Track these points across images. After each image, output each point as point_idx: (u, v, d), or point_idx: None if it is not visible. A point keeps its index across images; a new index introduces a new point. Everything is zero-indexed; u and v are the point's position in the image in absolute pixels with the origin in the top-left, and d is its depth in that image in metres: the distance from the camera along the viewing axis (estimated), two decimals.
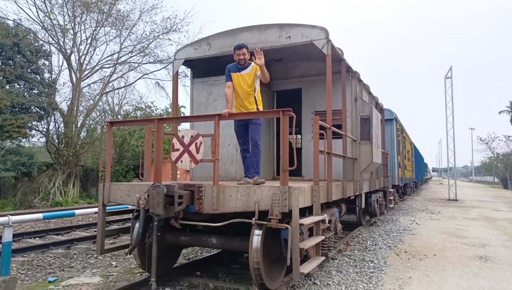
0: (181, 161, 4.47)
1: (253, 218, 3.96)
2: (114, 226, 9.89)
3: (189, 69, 7.03)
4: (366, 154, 7.11)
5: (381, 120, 9.35)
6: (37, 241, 8.14)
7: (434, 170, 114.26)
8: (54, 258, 6.72)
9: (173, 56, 6.55)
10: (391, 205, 11.96)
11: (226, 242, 4.70)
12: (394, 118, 13.81)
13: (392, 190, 12.09)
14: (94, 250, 7.14)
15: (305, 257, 4.60)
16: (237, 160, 6.39)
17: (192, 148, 4.41)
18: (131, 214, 4.94)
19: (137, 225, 4.35)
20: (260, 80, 5.02)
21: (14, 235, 8.31)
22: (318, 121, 4.72)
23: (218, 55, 6.17)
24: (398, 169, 14.20)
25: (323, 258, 4.60)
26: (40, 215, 5.60)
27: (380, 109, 10.53)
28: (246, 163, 4.93)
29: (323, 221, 4.96)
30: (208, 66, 6.77)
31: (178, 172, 7.64)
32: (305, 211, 5.06)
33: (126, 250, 4.45)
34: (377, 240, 7.86)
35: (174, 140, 4.52)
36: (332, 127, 5.59)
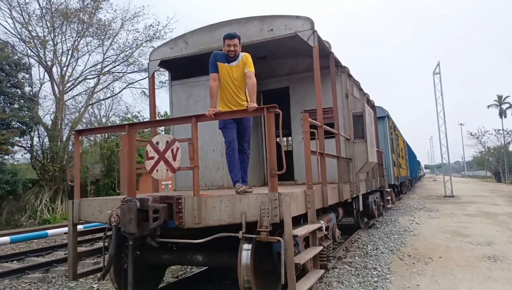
0: (157, 171, 3.97)
1: (240, 232, 3.47)
2: (100, 243, 9.30)
3: (167, 72, 6.54)
4: (361, 154, 6.67)
5: (373, 117, 8.96)
6: (14, 265, 7.52)
7: (426, 167, 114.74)
8: (30, 284, 6.14)
9: (148, 58, 6.06)
10: (389, 205, 11.54)
11: (213, 259, 4.20)
12: (386, 115, 13.46)
13: (389, 189, 11.68)
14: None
15: (302, 270, 4.12)
16: (223, 166, 5.90)
17: (169, 155, 3.91)
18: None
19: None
20: None
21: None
22: (307, 118, 4.26)
23: (195, 54, 5.69)
24: (393, 168, 13.82)
25: (322, 271, 4.13)
26: (7, 239, 5.03)
27: (372, 106, 10.13)
28: (234, 164, 4.35)
29: (319, 229, 4.50)
30: (187, 67, 6.28)
31: (169, 183, 7.13)
32: (300, 219, 4.59)
33: (99, 274, 3.92)
34: (378, 243, 7.40)
35: (148, 147, 4.02)
36: (324, 126, 5.14)
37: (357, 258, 6.31)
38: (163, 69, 6.24)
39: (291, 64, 7.05)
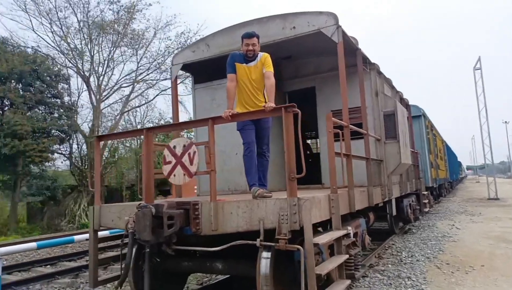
0: (174, 175, 3.85)
1: (258, 239, 3.28)
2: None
3: (191, 76, 6.48)
4: (393, 155, 6.30)
5: (407, 117, 8.50)
6: (47, 269, 7.69)
7: (468, 168, 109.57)
8: (59, 289, 6.24)
9: (171, 62, 6.01)
10: (426, 209, 10.94)
11: (232, 267, 4.03)
12: (422, 114, 12.82)
13: (426, 192, 11.07)
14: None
15: (327, 280, 3.86)
16: None
17: (185, 159, 3.79)
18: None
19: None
20: None
21: (24, 264, 7.93)
22: (331, 117, 4.01)
23: (217, 56, 5.57)
24: (430, 169, 13.13)
25: (347, 282, 3.84)
26: (34, 245, 5.11)
27: (406, 105, 9.66)
28: (251, 167, 4.16)
29: (347, 235, 4.22)
30: (210, 70, 6.18)
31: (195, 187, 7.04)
32: (326, 225, 4.34)
33: (116, 282, 3.85)
34: (413, 250, 6.96)
35: (166, 152, 3.92)
36: (350, 125, 4.86)
37: (390, 266, 5.93)
38: (188, 73, 6.15)
39: (316, 63, 6.80)
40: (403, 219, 8.88)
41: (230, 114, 3.63)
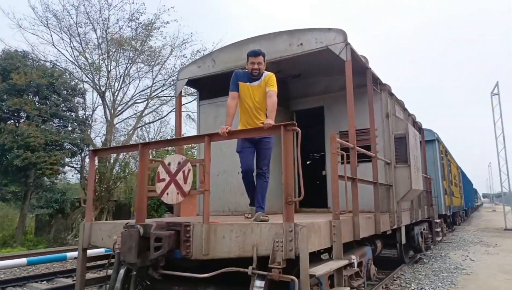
0: (167, 194, 3.65)
1: (250, 267, 3.03)
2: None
3: (197, 91, 6.36)
4: (403, 179, 6.00)
5: (420, 141, 8.20)
6: (42, 286, 7.46)
7: (485, 196, 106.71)
8: None
9: (176, 76, 5.91)
10: (439, 238, 10.46)
11: None
12: (436, 138, 12.45)
13: (438, 220, 10.60)
14: None
15: None
16: None
17: (180, 177, 3.59)
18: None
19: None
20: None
21: (20, 279, 7.63)
22: (335, 138, 3.79)
23: (223, 72, 5.44)
24: (444, 196, 12.65)
25: None
26: (24, 260, 4.93)
27: (419, 129, 9.36)
28: (251, 192, 4.02)
29: (350, 265, 3.92)
30: (215, 86, 6.06)
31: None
32: (330, 252, 4.05)
33: None
34: (423, 282, 6.55)
35: (160, 169, 3.73)
36: (357, 147, 4.62)
37: None
38: (193, 89, 6.04)
39: (326, 82, 6.62)
40: (414, 248, 8.46)
41: (227, 130, 3.45)
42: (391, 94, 6.58)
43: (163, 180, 3.69)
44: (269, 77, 3.99)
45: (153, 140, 27.77)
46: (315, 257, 3.63)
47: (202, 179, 3.36)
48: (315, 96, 6.69)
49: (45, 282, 7.80)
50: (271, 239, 3.03)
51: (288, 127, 3.11)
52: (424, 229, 8.74)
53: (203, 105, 6.16)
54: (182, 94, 24.00)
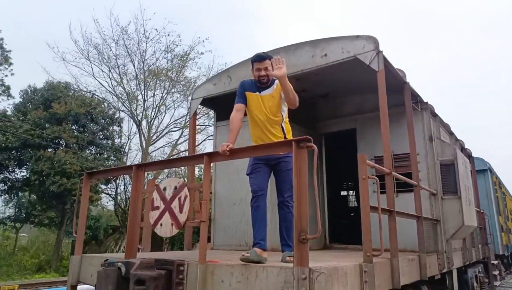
0: (161, 225, 3.07)
1: None
2: None
3: (214, 111, 5.87)
4: (453, 214, 5.08)
5: (471, 170, 7.19)
6: None
7: None
8: None
9: (191, 95, 5.46)
10: (497, 283, 9.08)
11: None
12: (488, 168, 11.18)
13: (495, 261, 9.26)
14: None
15: None
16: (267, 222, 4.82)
17: (175, 205, 3.00)
18: None
19: None
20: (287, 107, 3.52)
21: None
22: (365, 160, 3.08)
23: None
24: (500, 234, 11.19)
25: None
26: None
27: (469, 156, 8.31)
28: (257, 222, 3.30)
29: None
30: (233, 105, 5.54)
31: None
32: None
33: None
34: None
35: (154, 194, 3.17)
36: (396, 173, 3.86)
37: None
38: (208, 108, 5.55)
39: (358, 101, 5.92)
40: None
41: (228, 148, 2.84)
42: (435, 115, 5.77)
43: (157, 208, 3.12)
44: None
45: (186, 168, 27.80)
46: None
47: (198, 208, 2.75)
48: (346, 117, 5.99)
49: None
50: (280, 288, 2.34)
51: (301, 143, 2.45)
52: (479, 271, 7.54)
53: (220, 127, 5.64)
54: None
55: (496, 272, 9.09)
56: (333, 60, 4.18)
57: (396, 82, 4.58)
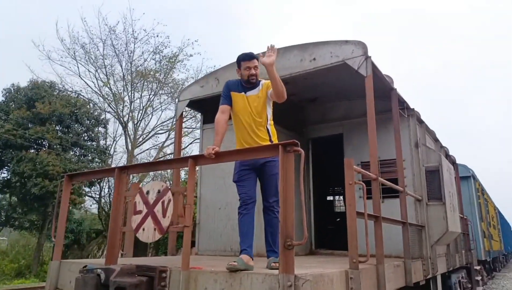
0: (143, 230, 2.98)
1: None
2: None
3: (200, 114, 5.80)
4: (437, 219, 5.11)
5: (455, 177, 7.27)
6: None
7: None
8: None
9: (177, 98, 5.38)
10: (479, 288, 9.18)
11: None
12: (471, 175, 11.35)
13: (478, 267, 9.37)
14: None
15: None
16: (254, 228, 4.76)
17: (158, 209, 2.92)
18: None
19: None
20: (272, 104, 3.41)
21: None
22: (351, 165, 3.05)
23: None
24: (483, 240, 11.35)
25: None
26: None
27: (453, 163, 8.41)
28: (245, 229, 3.24)
29: None
30: None
31: None
32: None
33: None
34: None
35: (137, 198, 3.08)
36: (382, 179, 3.85)
37: None
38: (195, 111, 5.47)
39: (345, 106, 5.93)
40: None
41: (214, 152, 2.77)
42: (421, 121, 5.81)
43: (140, 212, 3.03)
44: (268, 85, 3.28)
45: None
46: None
47: (181, 213, 2.68)
48: (333, 122, 5.99)
49: None
50: None
51: (288, 147, 2.41)
52: (462, 277, 7.61)
53: (206, 129, 5.56)
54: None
55: (479, 278, 9.20)
56: (322, 65, 4.17)
57: (384, 88, 4.60)
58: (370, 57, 3.92)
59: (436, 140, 6.99)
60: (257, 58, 3.30)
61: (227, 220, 5.03)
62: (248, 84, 3.32)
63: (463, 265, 7.83)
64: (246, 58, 3.29)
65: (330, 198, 10.55)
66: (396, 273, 3.87)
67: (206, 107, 5.59)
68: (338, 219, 8.82)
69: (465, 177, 11.06)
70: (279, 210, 3.33)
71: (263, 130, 3.29)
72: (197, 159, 2.87)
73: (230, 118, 3.44)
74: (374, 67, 3.99)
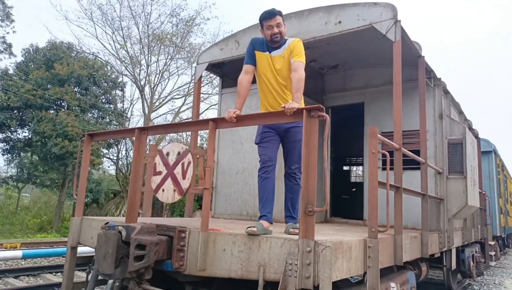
0: (163, 190, 3.00)
1: None
2: None
3: (219, 78, 5.70)
4: (457, 193, 5.02)
5: (477, 150, 7.09)
6: (22, 283, 6.41)
7: None
8: None
9: (195, 60, 5.29)
10: (492, 263, 9.17)
11: None
12: (492, 150, 11.07)
13: (493, 242, 9.32)
14: None
15: None
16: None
17: (178, 171, 2.92)
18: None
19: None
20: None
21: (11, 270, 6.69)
22: (376, 133, 2.97)
23: None
24: (499, 215, 11.22)
25: None
26: (19, 253, 4.49)
27: (476, 136, 8.18)
28: (265, 194, 3.18)
29: None
30: (240, 72, 5.37)
31: None
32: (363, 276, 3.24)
33: None
34: None
35: (157, 159, 3.09)
36: (405, 150, 3.75)
37: None
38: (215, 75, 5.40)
39: (367, 74, 5.75)
40: (463, 272, 7.33)
41: (235, 115, 2.71)
42: (446, 92, 5.60)
43: (160, 173, 3.04)
44: (295, 44, 3.12)
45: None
46: (343, 280, 2.84)
47: (201, 175, 2.67)
48: (354, 90, 5.83)
49: (25, 277, 6.83)
50: (283, 260, 2.29)
51: (312, 112, 2.34)
52: (476, 251, 7.59)
53: (225, 94, 5.48)
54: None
55: (493, 253, 9.17)
56: (348, 28, 3.99)
57: (411, 55, 4.41)
58: (399, 21, 3.72)
59: (460, 112, 6.77)
60: (280, 14, 3.14)
61: (244, 185, 5.05)
62: (273, 43, 3.17)
63: (478, 240, 7.79)
64: (267, 16, 3.13)
65: (346, 168, 10.50)
66: (413, 244, 3.85)
67: (225, 71, 5.50)
68: (354, 189, 8.80)
69: (486, 152, 10.81)
70: (301, 176, 3.31)
71: (289, 93, 3.14)
72: (217, 122, 2.83)
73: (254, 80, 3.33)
74: (403, 32, 3.80)
